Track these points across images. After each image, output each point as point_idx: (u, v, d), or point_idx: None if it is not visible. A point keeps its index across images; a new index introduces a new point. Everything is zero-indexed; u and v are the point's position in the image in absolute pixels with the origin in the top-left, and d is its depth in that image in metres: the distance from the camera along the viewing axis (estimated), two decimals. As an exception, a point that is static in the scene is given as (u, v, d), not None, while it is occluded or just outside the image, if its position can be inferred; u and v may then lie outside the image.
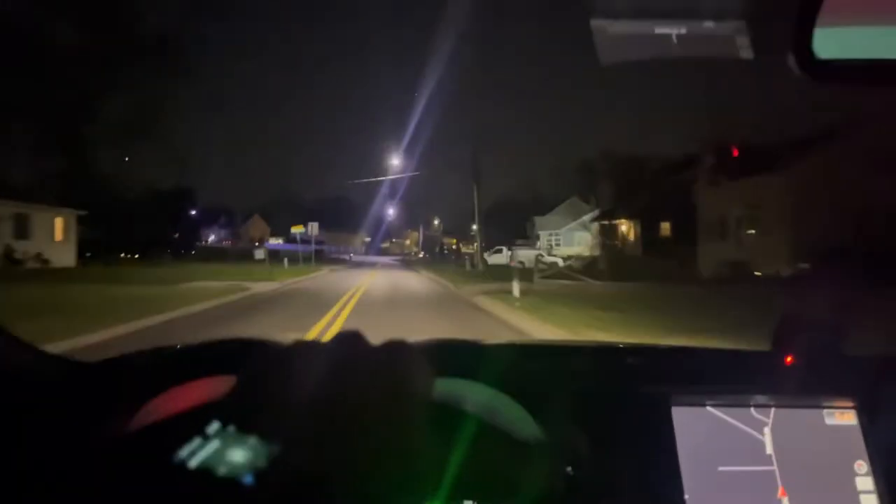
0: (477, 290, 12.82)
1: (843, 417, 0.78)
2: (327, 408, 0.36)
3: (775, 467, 0.73)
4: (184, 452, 0.33)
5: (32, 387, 0.64)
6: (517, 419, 0.46)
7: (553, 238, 41.67)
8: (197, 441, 0.33)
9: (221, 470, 0.31)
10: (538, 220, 44.48)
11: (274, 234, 70.89)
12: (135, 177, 29.93)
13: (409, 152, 33.62)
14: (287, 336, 0.49)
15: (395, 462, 0.35)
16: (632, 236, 28.63)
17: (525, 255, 33.00)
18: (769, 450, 0.74)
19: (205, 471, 0.32)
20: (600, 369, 0.81)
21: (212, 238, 66.41)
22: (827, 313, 0.83)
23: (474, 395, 0.47)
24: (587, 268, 21.55)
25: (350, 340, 0.41)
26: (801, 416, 0.77)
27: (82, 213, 23.29)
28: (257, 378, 0.39)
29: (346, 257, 49.88)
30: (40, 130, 24.23)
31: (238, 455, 0.32)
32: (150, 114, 27.19)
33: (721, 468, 0.73)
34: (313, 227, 28.22)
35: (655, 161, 29.84)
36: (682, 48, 1.24)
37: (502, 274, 24.71)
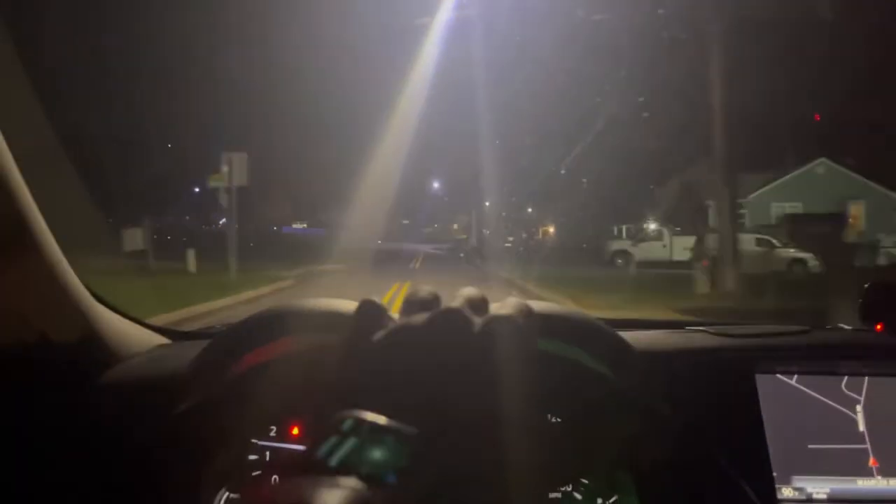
0: None
1: None
2: (449, 401, 0.35)
3: (868, 446, 0.73)
4: (322, 450, 0.32)
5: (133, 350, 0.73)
6: (604, 376, 0.50)
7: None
8: (333, 439, 0.32)
9: (363, 469, 0.30)
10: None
11: (296, 218, 56.27)
12: None
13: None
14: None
15: (524, 455, 0.35)
16: None
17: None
18: (861, 427, 0.74)
19: (346, 469, 0.31)
20: (680, 338, 0.82)
21: (222, 220, 50.53)
22: None
23: (566, 353, 0.51)
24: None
25: (450, 321, 0.38)
26: (893, 388, 0.76)
27: None
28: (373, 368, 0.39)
29: (374, 244, 33.07)
30: None
31: (378, 453, 0.31)
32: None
33: (811, 446, 0.73)
34: (236, 165, 10.79)
35: None
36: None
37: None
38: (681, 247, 18.48)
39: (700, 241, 15.55)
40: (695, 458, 0.54)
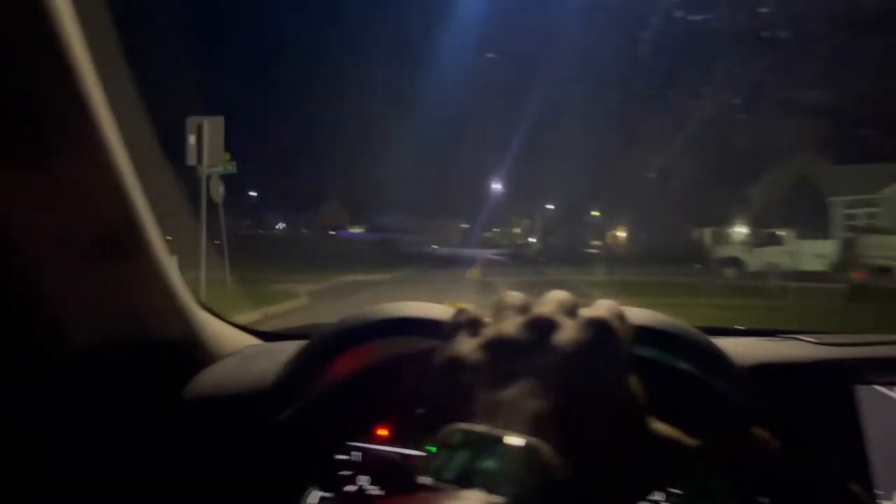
0: None
1: None
2: (556, 405, 0.35)
3: None
4: (436, 464, 0.32)
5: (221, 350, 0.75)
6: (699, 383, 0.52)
7: (860, 210, 18.78)
8: (445, 452, 0.33)
9: (478, 480, 0.31)
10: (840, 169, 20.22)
11: (355, 222, 59.42)
12: None
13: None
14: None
15: (633, 461, 0.37)
16: None
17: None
18: None
19: (461, 482, 0.32)
20: (773, 346, 0.80)
21: (280, 225, 52.24)
22: None
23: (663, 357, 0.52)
24: None
25: (543, 326, 0.39)
26: None
27: None
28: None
29: (430, 249, 31.67)
30: None
31: (490, 463, 0.32)
32: None
33: None
34: (208, 134, 6.27)
35: None
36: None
37: None
38: (810, 253, 14.83)
39: (850, 246, 11.51)
40: (795, 469, 0.52)
